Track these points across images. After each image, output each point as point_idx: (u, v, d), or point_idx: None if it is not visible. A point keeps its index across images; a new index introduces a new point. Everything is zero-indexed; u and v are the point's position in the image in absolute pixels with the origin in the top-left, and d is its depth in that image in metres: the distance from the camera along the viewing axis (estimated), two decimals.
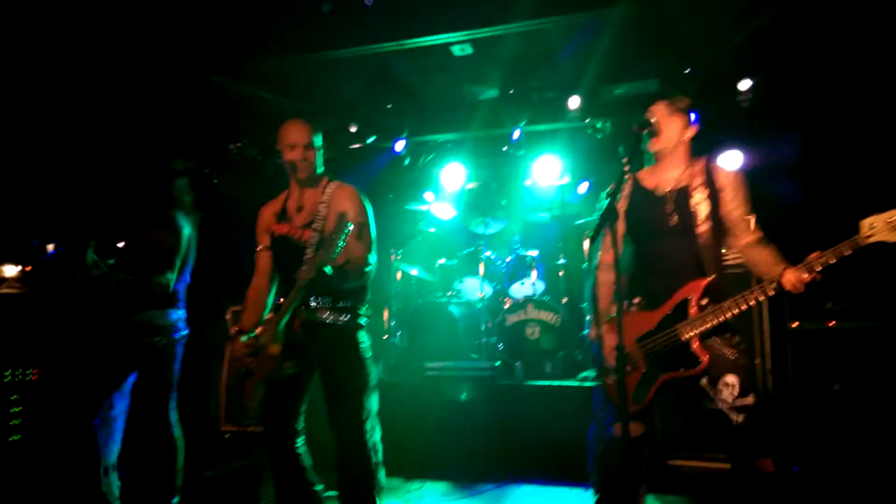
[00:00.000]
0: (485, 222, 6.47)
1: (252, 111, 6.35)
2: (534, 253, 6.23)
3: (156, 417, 3.57)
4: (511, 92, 6.08)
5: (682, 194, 2.64)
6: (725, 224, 2.64)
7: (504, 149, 6.88)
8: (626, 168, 2.55)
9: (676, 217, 2.62)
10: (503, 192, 7.20)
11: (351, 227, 2.60)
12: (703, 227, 2.58)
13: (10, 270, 5.17)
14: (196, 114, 6.33)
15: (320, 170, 3.03)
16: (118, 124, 6.20)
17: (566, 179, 6.47)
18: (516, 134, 6.35)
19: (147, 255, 3.65)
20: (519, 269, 6.20)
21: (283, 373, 2.70)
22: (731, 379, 2.46)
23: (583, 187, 6.73)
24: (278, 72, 5.59)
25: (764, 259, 2.56)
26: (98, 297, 3.71)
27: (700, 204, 2.59)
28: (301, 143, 2.92)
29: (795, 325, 4.60)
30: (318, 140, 3.00)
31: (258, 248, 3.07)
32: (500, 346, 5.76)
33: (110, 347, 3.63)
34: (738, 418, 2.42)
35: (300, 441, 2.92)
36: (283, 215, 3.01)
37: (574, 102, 5.86)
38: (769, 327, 4.43)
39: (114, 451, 3.74)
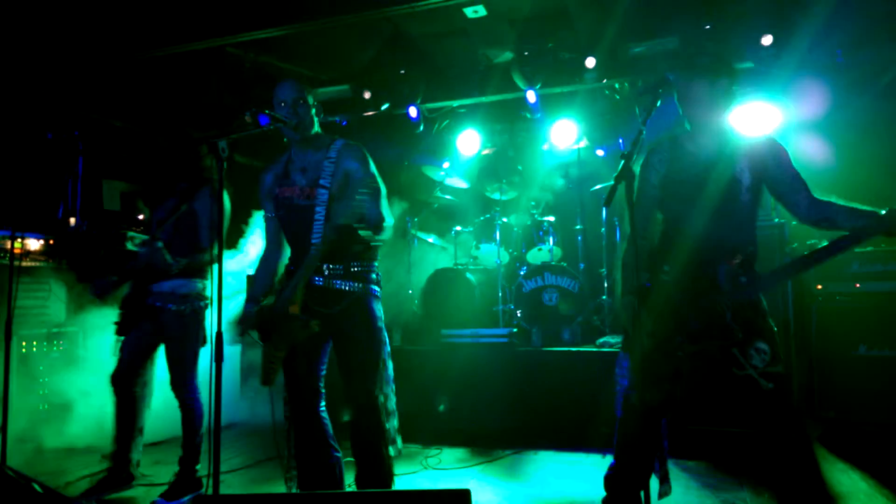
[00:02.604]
0: (501, 188, 6.40)
1: (267, 81, 6.32)
2: (550, 219, 6.17)
3: (181, 384, 3.65)
4: (526, 54, 5.95)
5: (726, 161, 2.54)
6: (779, 190, 2.54)
7: (521, 113, 6.78)
8: (642, 129, 2.47)
9: (718, 185, 2.52)
10: (519, 158, 7.12)
11: (370, 187, 2.60)
12: (744, 198, 2.51)
13: (34, 244, 5.24)
14: (212, 85, 6.32)
15: (316, 129, 2.96)
16: (140, 98, 6.23)
17: (583, 143, 6.36)
18: (532, 97, 6.23)
19: (195, 230, 3.69)
20: (536, 235, 6.15)
21: (308, 331, 2.70)
22: (762, 346, 2.43)
23: (600, 151, 6.62)
24: (292, 40, 5.53)
25: (841, 209, 2.41)
26: (118, 267, 3.77)
27: (743, 173, 2.51)
28: (290, 98, 2.87)
29: (819, 287, 4.52)
30: (311, 98, 2.93)
31: (266, 216, 3.04)
32: (518, 312, 5.75)
33: (139, 317, 3.69)
34: (768, 385, 2.40)
35: (322, 404, 2.94)
36: (285, 178, 2.96)
37: (591, 63, 5.72)
38: (792, 290, 4.37)
39: (143, 415, 3.84)
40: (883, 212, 2.28)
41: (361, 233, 2.67)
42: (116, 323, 3.74)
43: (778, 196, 2.56)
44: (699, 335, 2.49)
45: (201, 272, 3.75)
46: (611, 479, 2.75)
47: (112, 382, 3.69)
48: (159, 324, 3.67)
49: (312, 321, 2.70)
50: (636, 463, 2.66)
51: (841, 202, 2.42)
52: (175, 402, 3.69)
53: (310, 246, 2.79)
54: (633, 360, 2.64)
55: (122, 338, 3.73)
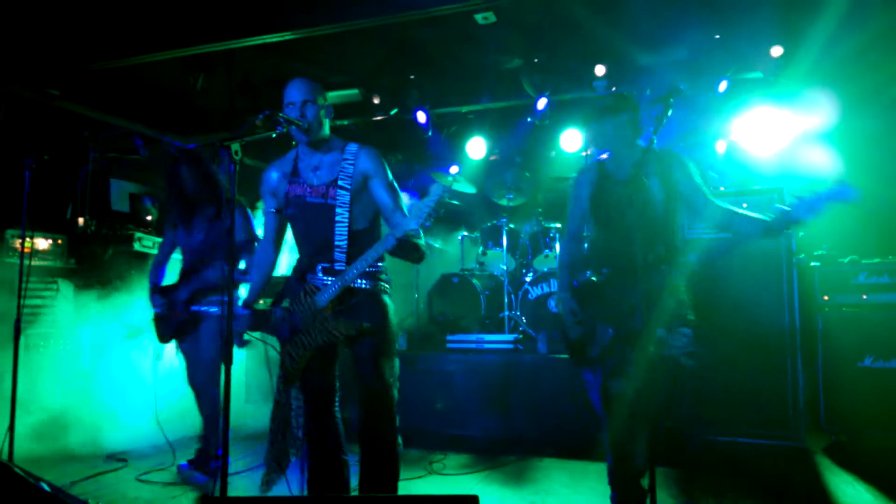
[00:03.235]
0: (508, 194, 6.41)
1: (277, 84, 6.34)
2: (557, 225, 6.17)
3: (209, 379, 3.95)
4: (536, 61, 5.97)
5: (638, 178, 2.87)
6: (685, 198, 2.96)
7: (528, 119, 6.79)
8: (653, 139, 2.50)
9: (636, 199, 2.85)
10: (527, 164, 7.14)
11: (395, 190, 2.70)
12: (659, 209, 2.94)
13: (43, 243, 5.28)
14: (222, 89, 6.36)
15: (325, 131, 2.93)
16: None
17: (591, 150, 6.37)
18: (541, 104, 6.25)
19: (225, 244, 3.88)
20: (542, 242, 6.15)
21: (349, 331, 2.73)
22: (685, 331, 2.87)
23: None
24: (302, 44, 5.55)
25: (736, 215, 2.85)
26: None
27: (655, 186, 2.94)
28: (298, 100, 2.84)
29: (826, 298, 4.52)
30: (321, 99, 2.89)
31: (267, 211, 3.04)
32: (524, 318, 5.75)
33: (186, 324, 4.02)
34: (689, 362, 2.85)
35: (337, 403, 2.96)
36: (295, 175, 2.94)
37: (600, 71, 5.73)
38: (798, 300, 4.35)
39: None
40: (768, 218, 2.71)
41: (416, 239, 2.74)
42: (161, 331, 4.08)
43: (685, 203, 2.98)
44: (622, 320, 2.90)
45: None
46: (613, 476, 3.04)
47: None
48: (200, 325, 3.98)
49: (364, 323, 2.74)
50: (631, 458, 2.97)
51: (736, 210, 2.84)
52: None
53: (331, 247, 2.79)
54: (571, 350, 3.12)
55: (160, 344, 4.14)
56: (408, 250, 2.74)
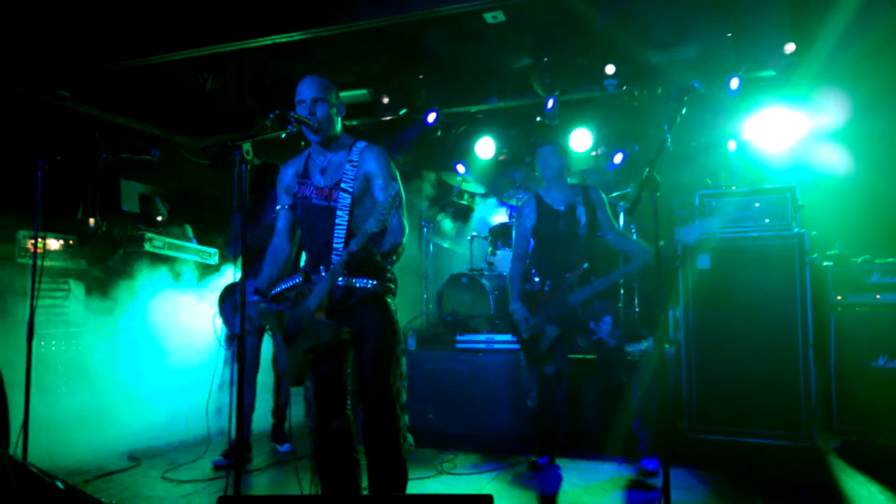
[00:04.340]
0: (517, 194, 6.41)
1: (286, 84, 6.36)
2: None
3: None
4: (545, 60, 5.96)
5: (570, 209, 4.02)
6: (600, 226, 3.98)
7: (538, 119, 6.78)
8: (667, 137, 2.49)
9: (565, 225, 3.99)
10: (536, 164, 7.13)
11: (397, 195, 2.58)
12: (582, 231, 3.99)
13: (54, 244, 5.30)
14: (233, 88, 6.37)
15: (337, 130, 2.93)
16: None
17: (599, 151, 6.36)
18: (550, 103, 6.24)
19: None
20: None
21: (337, 336, 2.73)
22: (607, 319, 3.84)
23: (618, 157, 6.62)
24: (311, 43, 5.56)
25: (631, 242, 4.13)
26: None
27: (582, 215, 3.99)
28: (308, 97, 2.84)
29: (839, 298, 4.49)
30: (332, 97, 2.89)
31: (278, 207, 3.05)
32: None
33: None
34: (612, 342, 3.83)
35: (348, 404, 2.95)
36: (305, 176, 2.96)
37: (611, 70, 5.71)
38: (811, 300, 4.32)
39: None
40: (650, 247, 3.57)
41: (385, 243, 2.72)
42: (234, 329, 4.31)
43: (597, 227, 3.99)
44: (562, 322, 3.93)
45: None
46: (535, 420, 4.18)
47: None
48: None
49: (344, 328, 2.72)
50: (550, 411, 4.14)
51: (629, 238, 4.12)
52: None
53: (330, 250, 2.79)
54: (524, 346, 4.08)
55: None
56: (365, 263, 2.67)
